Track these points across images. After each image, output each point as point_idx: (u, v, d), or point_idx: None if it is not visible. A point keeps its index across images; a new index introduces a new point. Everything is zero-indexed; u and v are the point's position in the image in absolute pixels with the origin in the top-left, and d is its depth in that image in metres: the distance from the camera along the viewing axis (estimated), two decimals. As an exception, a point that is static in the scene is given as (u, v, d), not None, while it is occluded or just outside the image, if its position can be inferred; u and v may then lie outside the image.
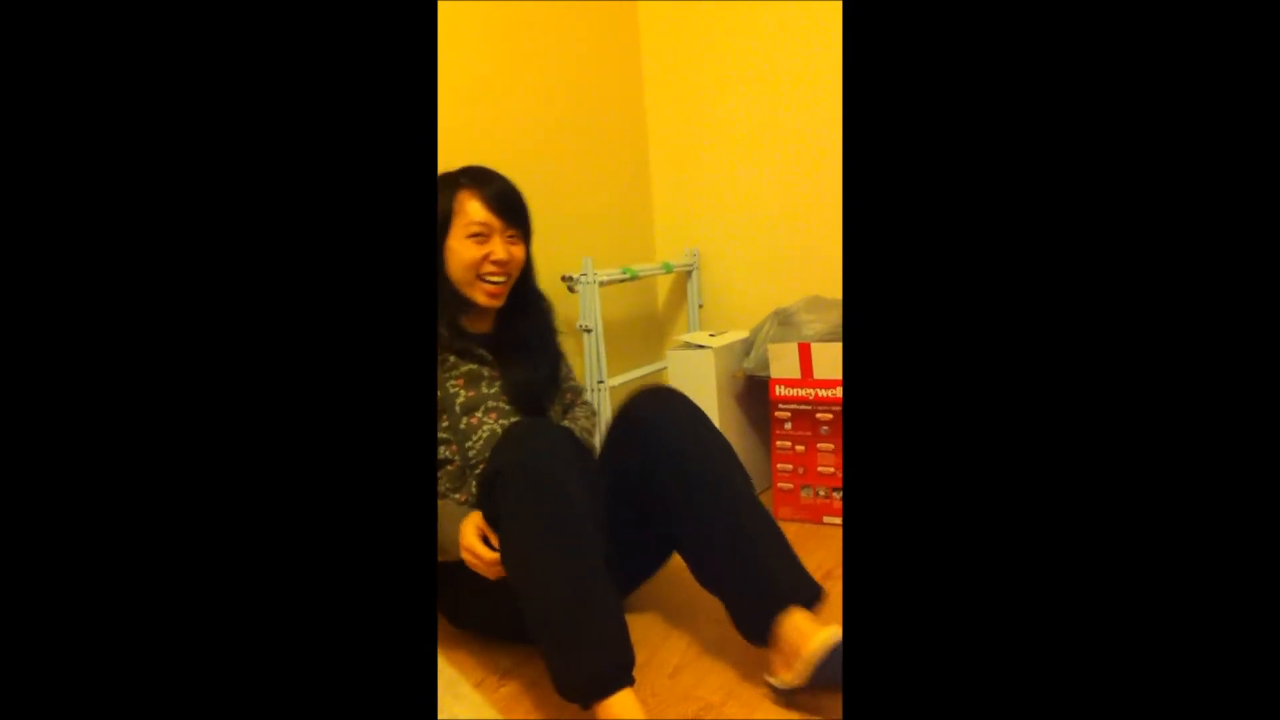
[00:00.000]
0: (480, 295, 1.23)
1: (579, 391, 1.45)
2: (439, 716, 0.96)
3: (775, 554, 1.05)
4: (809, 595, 1.00)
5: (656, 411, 1.16)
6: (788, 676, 0.97)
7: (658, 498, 1.11)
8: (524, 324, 1.31)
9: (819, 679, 0.93)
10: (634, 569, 1.27)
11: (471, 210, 1.21)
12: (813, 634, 0.93)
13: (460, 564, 1.17)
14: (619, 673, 0.94)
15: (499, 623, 1.23)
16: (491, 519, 1.05)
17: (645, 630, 1.25)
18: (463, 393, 1.22)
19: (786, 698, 0.99)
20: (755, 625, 1.02)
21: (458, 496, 1.21)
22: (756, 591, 1.01)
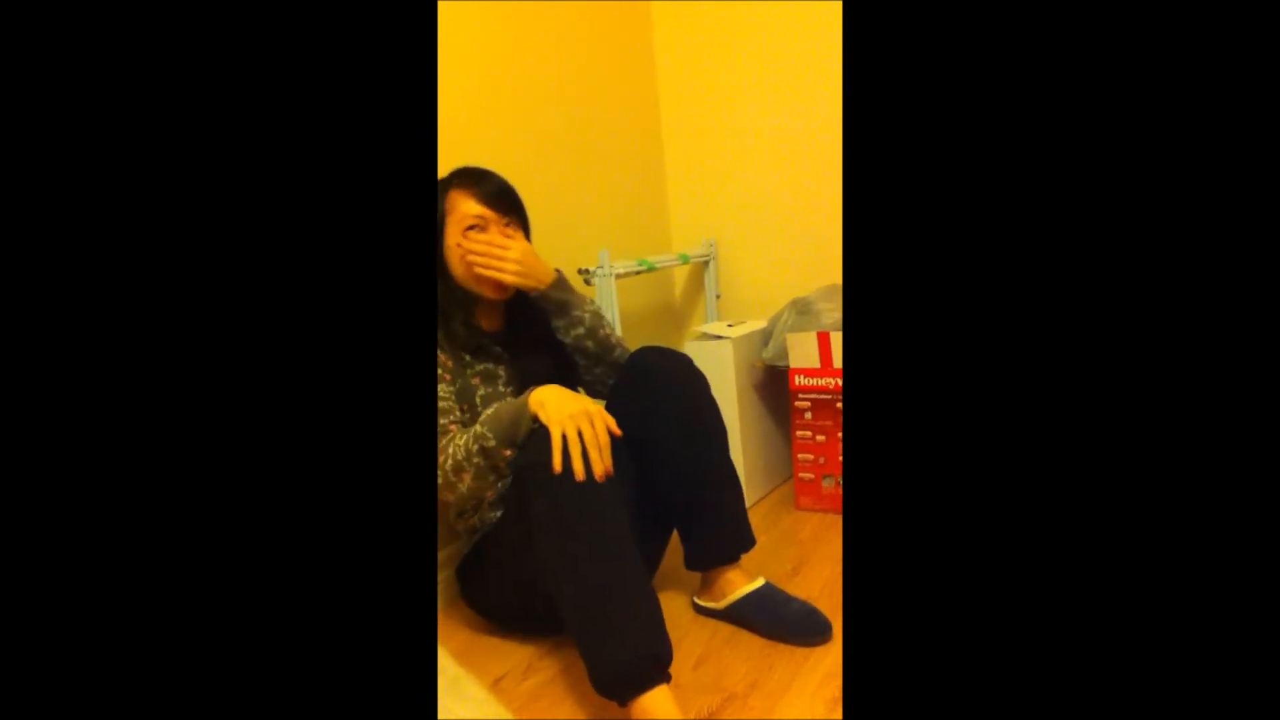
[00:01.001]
0: (487, 288, 1.23)
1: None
2: (441, 716, 0.96)
3: (731, 518, 1.26)
4: (743, 551, 1.26)
5: (661, 372, 1.24)
6: (711, 604, 1.27)
7: (657, 455, 1.22)
8: (532, 320, 1.32)
9: (730, 612, 1.24)
10: (646, 541, 1.28)
11: (465, 206, 1.22)
12: (739, 585, 1.23)
13: (488, 553, 1.21)
14: (655, 669, 0.94)
15: (522, 615, 1.25)
16: (523, 515, 1.05)
17: (669, 622, 1.24)
18: (481, 388, 1.24)
19: (703, 611, 1.30)
20: (698, 566, 1.27)
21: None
22: (709, 546, 1.25)
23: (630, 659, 0.94)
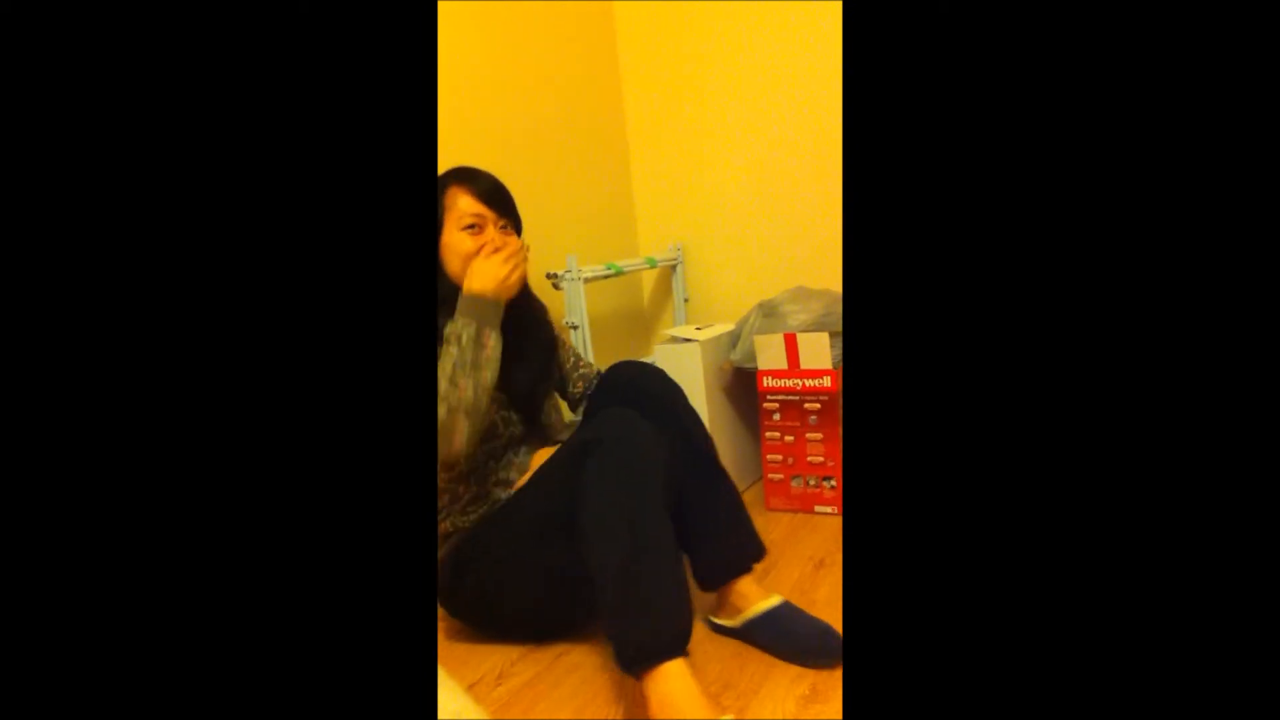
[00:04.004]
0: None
1: (590, 379, 1.45)
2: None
3: (736, 524, 1.22)
4: (755, 559, 1.22)
5: (644, 378, 1.26)
6: (727, 622, 1.20)
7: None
8: (518, 321, 1.31)
9: (745, 631, 1.17)
10: None
11: (463, 204, 1.23)
12: (754, 601, 1.17)
13: (463, 559, 1.20)
14: (677, 642, 0.94)
15: (501, 620, 1.25)
16: (573, 482, 1.05)
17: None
18: None
19: (719, 629, 1.23)
20: (712, 583, 1.20)
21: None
22: (718, 558, 1.20)
23: (656, 631, 0.93)
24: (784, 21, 1.94)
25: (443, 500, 1.27)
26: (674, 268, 2.17)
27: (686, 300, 2.20)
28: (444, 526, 1.27)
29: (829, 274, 1.95)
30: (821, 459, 1.68)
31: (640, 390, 1.23)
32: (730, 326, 1.87)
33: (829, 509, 1.68)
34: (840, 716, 0.96)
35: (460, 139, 1.67)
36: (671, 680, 0.92)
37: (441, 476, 1.27)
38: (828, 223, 1.96)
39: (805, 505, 1.70)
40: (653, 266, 2.07)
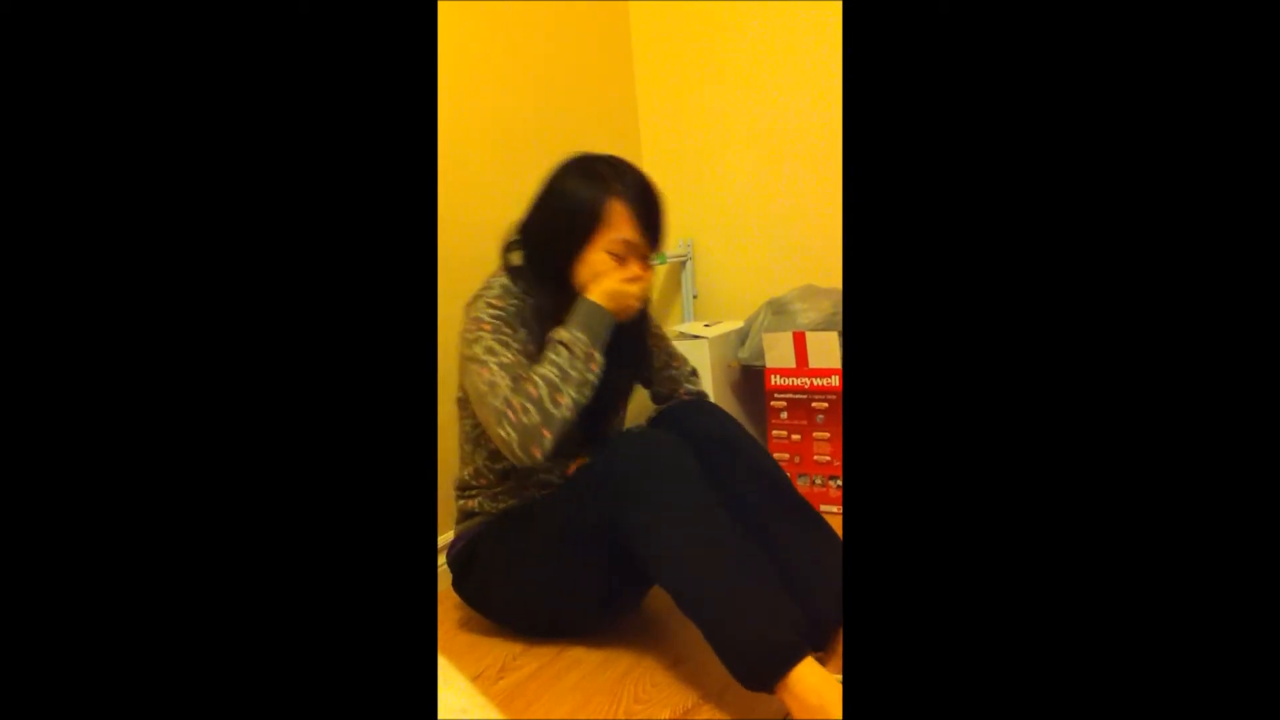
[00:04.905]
0: (625, 314, 1.15)
1: (679, 381, 1.36)
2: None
3: (831, 569, 1.08)
4: None
5: (710, 414, 1.20)
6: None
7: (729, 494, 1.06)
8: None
9: None
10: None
11: (620, 224, 1.11)
12: None
13: (482, 550, 1.19)
14: (789, 641, 0.87)
15: (501, 613, 1.25)
16: (622, 521, 1.00)
17: (646, 623, 1.26)
18: None
19: None
20: (824, 638, 1.05)
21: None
22: (825, 605, 1.05)
23: (767, 636, 0.87)
24: (796, 21, 1.93)
25: (480, 480, 1.24)
26: (683, 264, 2.17)
27: (695, 297, 2.19)
28: (470, 504, 1.25)
29: (839, 273, 1.94)
30: (828, 458, 1.67)
31: (699, 433, 1.13)
32: (739, 324, 1.87)
33: (835, 508, 1.67)
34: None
35: (474, 134, 1.67)
36: (807, 682, 0.84)
37: (487, 463, 1.23)
38: (838, 221, 1.95)
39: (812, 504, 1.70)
40: (662, 263, 2.07)
